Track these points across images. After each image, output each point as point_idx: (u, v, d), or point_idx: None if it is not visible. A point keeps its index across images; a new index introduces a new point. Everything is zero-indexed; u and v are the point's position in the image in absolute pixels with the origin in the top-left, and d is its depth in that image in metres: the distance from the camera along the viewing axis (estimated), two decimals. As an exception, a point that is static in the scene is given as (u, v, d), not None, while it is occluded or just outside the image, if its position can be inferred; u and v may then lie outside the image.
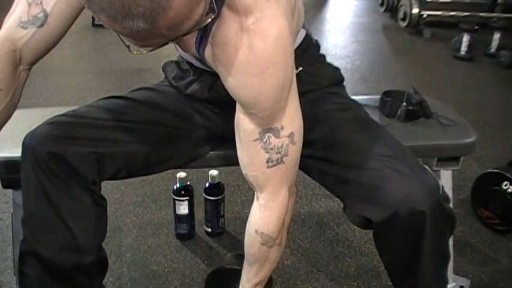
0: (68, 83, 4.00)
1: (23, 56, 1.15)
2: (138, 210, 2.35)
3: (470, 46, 4.77)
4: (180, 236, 2.14)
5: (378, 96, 1.80)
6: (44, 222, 1.20)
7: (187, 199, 2.07)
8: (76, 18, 1.16)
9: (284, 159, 1.13)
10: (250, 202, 1.25)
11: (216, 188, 2.10)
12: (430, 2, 5.61)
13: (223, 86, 1.10)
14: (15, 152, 1.24)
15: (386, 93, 1.78)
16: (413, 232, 1.12)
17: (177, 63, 1.50)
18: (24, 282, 1.27)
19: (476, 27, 4.78)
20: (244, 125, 1.12)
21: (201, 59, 1.16)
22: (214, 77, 1.13)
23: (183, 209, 2.08)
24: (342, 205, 1.25)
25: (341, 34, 5.78)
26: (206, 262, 2.00)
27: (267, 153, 1.12)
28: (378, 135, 1.25)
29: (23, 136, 1.19)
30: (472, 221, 2.29)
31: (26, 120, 1.39)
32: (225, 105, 1.22)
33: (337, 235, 2.19)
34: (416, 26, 5.63)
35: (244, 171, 1.20)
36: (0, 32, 1.13)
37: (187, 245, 2.12)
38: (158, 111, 1.37)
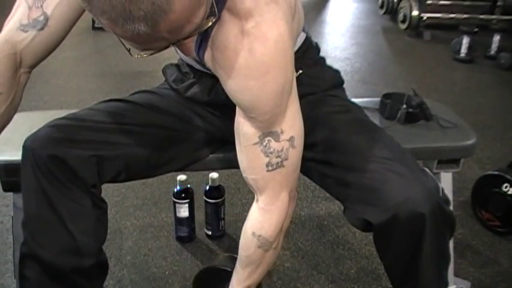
0: (68, 85, 4.00)
1: (24, 59, 1.15)
2: (138, 213, 2.35)
3: (470, 48, 4.78)
4: (180, 239, 2.14)
5: (378, 99, 1.80)
6: (45, 225, 1.20)
7: (187, 202, 2.07)
8: (76, 21, 1.16)
9: (284, 163, 1.13)
10: (250, 205, 1.25)
11: (216, 191, 2.10)
12: (430, 4, 5.61)
13: (223, 88, 1.10)
14: (16, 155, 1.24)
15: (386, 96, 1.78)
16: (413, 234, 1.12)
17: (177, 66, 1.50)
18: (25, 285, 1.27)
19: (476, 29, 4.78)
20: (244, 128, 1.12)
21: (201, 62, 1.16)
22: (214, 79, 1.13)
23: (183, 211, 2.08)
24: (342, 207, 1.25)
25: (341, 36, 5.78)
26: (205, 263, 2.00)
27: (266, 156, 1.12)
28: (378, 138, 1.25)
29: (24, 139, 1.20)
30: (472, 223, 2.29)
31: (27, 123, 1.39)
32: (225, 108, 1.22)
33: (338, 237, 2.19)
34: (416, 28, 5.63)
35: (244, 175, 1.20)
36: (1, 35, 1.13)
37: (188, 247, 2.12)
38: (158, 114, 1.37)
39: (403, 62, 4.91)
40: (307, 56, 1.40)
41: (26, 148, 1.18)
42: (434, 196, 1.12)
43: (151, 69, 4.08)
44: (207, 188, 2.11)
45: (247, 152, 1.15)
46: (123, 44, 0.89)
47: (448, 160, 1.61)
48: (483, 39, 4.91)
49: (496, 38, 4.83)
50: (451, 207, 1.28)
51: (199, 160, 1.46)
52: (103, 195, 1.28)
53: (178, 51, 1.29)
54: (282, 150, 1.11)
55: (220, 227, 2.15)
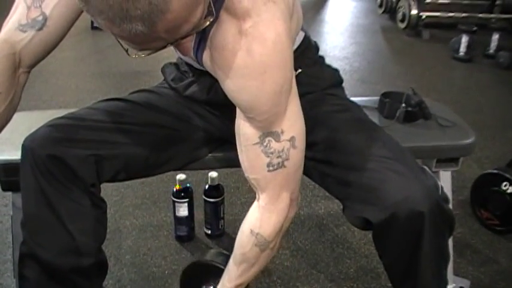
0: (67, 85, 4.00)
1: (22, 59, 1.15)
2: (137, 212, 2.35)
3: (469, 47, 4.77)
4: (179, 238, 2.15)
5: (377, 98, 1.80)
6: (44, 224, 1.21)
7: (187, 201, 2.07)
8: (75, 21, 1.16)
9: (285, 163, 1.12)
10: (250, 204, 1.25)
11: (215, 190, 2.10)
12: (428, 3, 5.62)
13: (222, 88, 1.10)
14: (15, 155, 1.24)
15: (385, 95, 1.78)
16: (413, 233, 1.12)
17: (175, 65, 1.50)
18: (24, 285, 1.27)
19: (475, 28, 4.78)
20: (243, 129, 1.12)
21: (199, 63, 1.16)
22: (213, 78, 1.13)
23: (182, 211, 2.08)
24: (342, 206, 1.25)
25: (340, 36, 5.78)
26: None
27: (267, 157, 1.11)
28: (377, 137, 1.25)
29: (23, 139, 1.20)
30: (471, 221, 2.29)
31: (26, 123, 1.39)
32: (224, 107, 1.22)
33: (337, 236, 2.20)
34: (415, 27, 5.63)
35: (246, 174, 1.19)
36: (0, 35, 1.13)
37: (187, 247, 2.12)
38: (157, 114, 1.38)
39: (402, 61, 4.92)
40: (306, 55, 1.40)
41: (25, 148, 1.18)
42: (434, 194, 1.12)
43: (150, 69, 4.07)
44: (207, 187, 2.11)
45: (248, 152, 1.14)
46: (121, 45, 0.88)
47: (447, 159, 1.61)
48: (482, 38, 4.90)
49: (495, 37, 4.83)
50: (451, 206, 1.28)
51: (198, 159, 1.46)
52: (102, 194, 1.28)
53: (177, 51, 1.29)
54: (282, 150, 1.11)
55: (220, 226, 2.16)
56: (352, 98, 1.51)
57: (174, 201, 2.08)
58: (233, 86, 1.06)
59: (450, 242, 1.28)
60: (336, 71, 1.51)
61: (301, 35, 1.38)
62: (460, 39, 4.80)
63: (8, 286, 1.85)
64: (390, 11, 6.25)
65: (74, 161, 1.18)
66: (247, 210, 1.24)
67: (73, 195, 1.20)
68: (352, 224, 1.24)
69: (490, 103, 3.81)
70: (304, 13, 1.28)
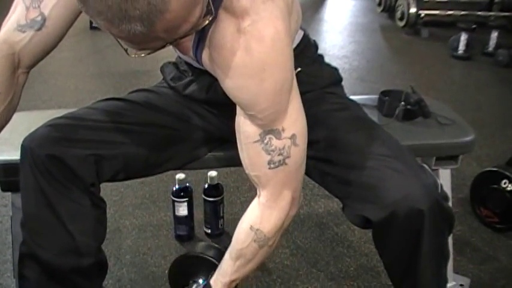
0: (66, 85, 4.00)
1: (22, 59, 1.15)
2: (137, 212, 2.35)
3: (468, 45, 4.78)
4: (179, 238, 2.15)
5: (376, 96, 1.80)
6: (43, 224, 1.21)
7: (186, 200, 2.07)
8: (74, 21, 1.16)
9: (287, 161, 1.12)
10: (250, 203, 1.25)
11: (215, 189, 2.10)
12: (427, 1, 5.62)
13: (221, 87, 1.10)
14: (14, 155, 1.24)
15: (384, 93, 1.78)
16: (412, 231, 1.13)
17: (175, 64, 1.50)
18: (24, 285, 1.27)
19: (474, 26, 4.78)
20: (244, 126, 1.12)
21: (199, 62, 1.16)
22: (212, 77, 1.13)
23: (182, 210, 2.08)
24: (341, 205, 1.25)
25: (339, 34, 5.79)
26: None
27: (268, 154, 1.11)
28: (376, 135, 1.25)
29: (22, 139, 1.20)
30: (471, 219, 2.30)
31: (25, 123, 1.39)
32: (223, 106, 1.22)
33: (337, 235, 2.20)
34: (414, 25, 5.64)
35: (246, 171, 1.19)
36: (-2, 36, 1.13)
37: (187, 246, 2.12)
38: (156, 113, 1.37)
39: (401, 60, 4.92)
40: (306, 54, 1.40)
41: (24, 148, 1.18)
42: (433, 192, 1.12)
43: (150, 68, 4.07)
44: (206, 186, 2.11)
45: (248, 150, 1.14)
46: (120, 44, 0.88)
47: (447, 157, 1.61)
48: (481, 36, 4.91)
49: (494, 35, 4.84)
50: (450, 204, 1.28)
51: (197, 158, 1.46)
52: (102, 194, 1.28)
53: (177, 50, 1.29)
54: (283, 148, 1.10)
55: (219, 226, 2.16)
56: (352, 97, 1.51)
57: (173, 201, 2.08)
58: (233, 85, 1.06)
59: (450, 240, 1.29)
60: (335, 69, 1.51)
61: (300, 33, 1.38)
62: (459, 37, 4.80)
63: (8, 286, 1.85)
64: (389, 10, 6.27)
65: (74, 161, 1.18)
66: (247, 209, 1.24)
67: (73, 195, 1.20)
68: (352, 222, 1.24)
69: (489, 101, 3.81)
70: (303, 12, 1.29)
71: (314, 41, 1.47)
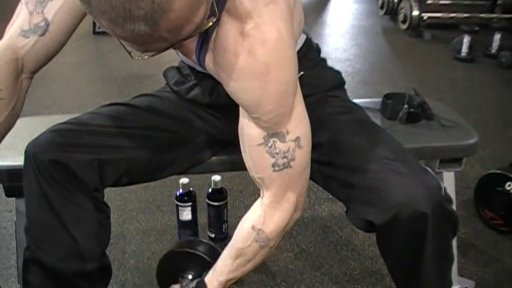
0: (69, 90, 4.01)
1: (25, 64, 1.15)
2: (141, 216, 2.35)
3: (470, 47, 4.77)
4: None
5: (379, 99, 1.80)
6: (47, 230, 1.21)
7: (190, 205, 2.07)
8: (77, 26, 1.17)
9: (291, 163, 1.12)
10: (253, 206, 1.25)
11: (218, 194, 2.10)
12: (430, 4, 5.62)
13: (224, 90, 1.10)
14: (18, 161, 1.24)
15: (387, 96, 1.78)
16: (416, 234, 1.12)
17: (178, 68, 1.51)
18: (29, 290, 1.27)
19: (476, 28, 4.77)
20: (247, 129, 1.12)
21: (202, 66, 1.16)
22: (216, 81, 1.13)
23: (186, 214, 2.08)
24: (345, 208, 1.25)
25: (341, 37, 5.79)
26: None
27: (272, 157, 1.11)
28: (380, 138, 1.25)
29: (25, 144, 1.20)
30: (475, 222, 2.29)
31: (28, 129, 1.39)
32: (226, 109, 1.22)
33: (341, 238, 2.19)
34: (416, 28, 5.63)
35: (250, 174, 1.19)
36: (2, 41, 1.14)
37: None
38: (160, 117, 1.38)
39: (403, 62, 4.92)
40: (308, 58, 1.40)
41: (28, 153, 1.19)
42: (436, 195, 1.11)
43: (153, 73, 4.08)
44: (210, 190, 2.11)
45: (252, 153, 1.14)
46: (124, 46, 0.89)
47: (450, 159, 1.61)
48: (484, 38, 4.90)
49: (497, 37, 4.83)
50: (454, 207, 1.28)
51: (201, 163, 1.46)
52: (105, 199, 1.28)
53: (179, 53, 1.29)
54: (288, 150, 1.10)
55: (224, 230, 2.15)
56: (355, 100, 1.51)
57: (177, 205, 2.08)
58: (237, 87, 1.06)
59: (454, 242, 1.28)
60: (338, 73, 1.51)
61: (303, 37, 1.38)
62: (462, 39, 4.79)
63: (12, 292, 1.86)
64: (391, 13, 6.26)
65: (77, 166, 1.18)
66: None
67: (76, 200, 1.20)
68: (356, 226, 1.24)
69: (492, 103, 3.81)
70: (305, 15, 1.29)
71: (317, 44, 1.47)
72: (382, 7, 6.47)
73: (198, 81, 1.42)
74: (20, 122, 1.22)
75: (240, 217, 1.25)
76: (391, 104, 1.73)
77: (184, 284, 1.40)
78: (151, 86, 3.50)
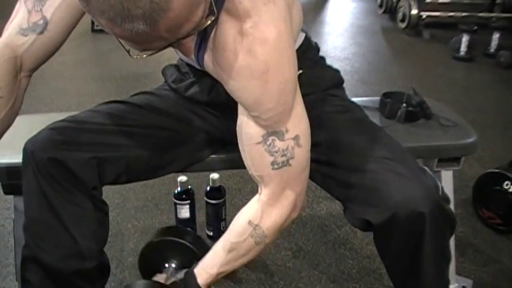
0: (68, 88, 4.01)
1: (24, 63, 1.15)
2: (139, 214, 2.35)
3: (469, 46, 4.77)
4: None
5: (378, 98, 1.80)
6: (46, 228, 1.21)
7: (188, 203, 2.08)
8: (76, 24, 1.17)
9: (290, 161, 1.12)
10: (252, 205, 1.24)
11: (217, 192, 2.10)
12: (429, 3, 5.62)
13: (223, 88, 1.10)
14: (16, 158, 1.24)
15: (386, 95, 1.78)
16: (413, 234, 1.12)
17: (176, 66, 1.50)
18: (27, 288, 1.27)
19: (475, 27, 4.77)
20: (246, 128, 1.12)
21: (200, 65, 1.16)
22: (214, 79, 1.13)
23: (184, 212, 2.08)
24: (343, 207, 1.25)
25: (340, 36, 5.79)
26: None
27: (271, 156, 1.11)
28: (378, 138, 1.25)
29: (24, 142, 1.20)
30: (473, 221, 2.29)
31: (27, 127, 1.39)
32: (225, 108, 1.22)
33: (339, 237, 2.20)
34: (415, 27, 5.63)
35: (249, 171, 1.19)
36: (1, 39, 1.14)
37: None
38: (158, 115, 1.38)
39: (402, 61, 4.92)
40: (307, 57, 1.40)
41: (27, 151, 1.19)
42: (434, 195, 1.12)
43: (151, 71, 4.07)
44: (208, 188, 2.11)
45: (250, 151, 1.14)
46: (123, 45, 0.89)
47: (449, 158, 1.61)
48: (482, 37, 4.90)
49: (496, 36, 4.83)
50: (452, 206, 1.28)
51: (199, 161, 1.46)
52: (104, 197, 1.28)
53: (178, 52, 1.29)
54: (287, 149, 1.10)
55: (222, 228, 2.15)
56: (353, 99, 1.51)
57: (175, 203, 2.09)
58: (237, 86, 1.06)
59: (452, 241, 1.28)
60: (337, 71, 1.51)
61: (302, 36, 1.38)
62: (461, 38, 4.79)
63: (10, 289, 1.86)
64: (390, 11, 6.25)
65: (76, 164, 1.18)
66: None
67: (75, 198, 1.20)
68: (353, 225, 1.24)
69: (491, 102, 3.81)
70: (304, 14, 1.28)
71: (315, 43, 1.47)
72: (381, 6, 6.47)
73: (196, 79, 1.42)
74: (19, 120, 1.22)
75: (239, 215, 1.25)
76: (389, 102, 1.73)
77: (169, 274, 1.39)
78: (150, 84, 3.48)
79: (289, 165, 1.12)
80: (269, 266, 2.00)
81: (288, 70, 1.05)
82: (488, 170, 2.26)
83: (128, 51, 0.91)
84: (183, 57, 1.39)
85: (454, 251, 1.47)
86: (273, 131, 1.09)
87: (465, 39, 4.75)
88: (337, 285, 1.91)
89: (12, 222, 1.54)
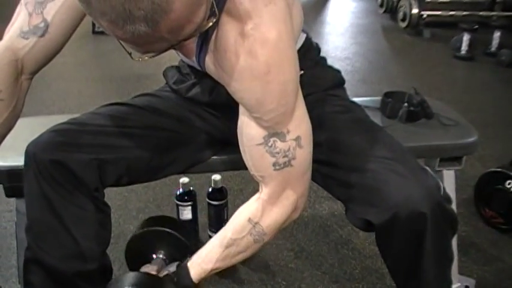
0: (69, 90, 4.01)
1: (25, 65, 1.15)
2: (141, 216, 2.34)
3: (470, 45, 4.77)
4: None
5: (379, 98, 1.80)
6: (48, 230, 1.21)
7: (190, 204, 2.08)
8: (77, 27, 1.17)
9: (292, 162, 1.11)
10: (254, 205, 1.24)
11: (219, 193, 2.10)
12: (429, 2, 5.62)
13: (224, 89, 1.10)
14: (18, 161, 1.24)
15: (387, 95, 1.78)
16: (415, 233, 1.12)
17: (177, 67, 1.51)
18: (29, 290, 1.27)
19: (476, 26, 4.77)
20: (247, 129, 1.12)
21: (202, 67, 1.16)
22: (215, 80, 1.13)
23: (186, 214, 2.08)
24: (345, 208, 1.25)
25: (341, 36, 5.78)
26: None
27: (273, 157, 1.10)
28: (379, 138, 1.25)
29: (26, 145, 1.20)
30: (475, 220, 2.29)
31: (28, 129, 1.39)
32: (226, 108, 1.22)
33: (341, 237, 2.20)
34: (416, 26, 5.63)
35: (251, 172, 1.19)
36: (2, 42, 1.14)
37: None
38: (159, 117, 1.38)
39: (403, 61, 4.91)
40: (308, 57, 1.40)
41: (28, 153, 1.19)
42: (435, 195, 1.12)
43: (152, 72, 4.07)
44: (210, 190, 2.11)
45: (251, 152, 1.14)
46: (124, 48, 0.88)
47: (450, 158, 1.61)
48: (483, 36, 4.90)
49: (496, 35, 4.83)
50: (454, 206, 1.28)
51: (201, 162, 1.46)
52: (106, 199, 1.28)
53: (180, 53, 1.29)
54: (288, 150, 1.10)
55: (224, 229, 2.15)
56: (355, 99, 1.51)
57: (177, 205, 2.09)
58: (239, 87, 1.05)
59: (454, 241, 1.28)
60: (338, 71, 1.51)
61: (303, 36, 1.38)
62: (461, 37, 4.79)
63: (13, 292, 1.86)
64: (391, 11, 6.26)
65: (77, 166, 1.18)
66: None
67: (76, 200, 1.20)
68: (355, 225, 1.24)
69: (492, 101, 3.81)
70: (305, 14, 1.29)
71: (316, 43, 1.48)
72: (381, 5, 6.47)
73: (197, 80, 1.42)
74: (20, 123, 1.22)
75: (241, 216, 1.25)
76: (390, 102, 1.73)
77: (160, 265, 1.36)
78: (151, 85, 3.49)
79: (291, 165, 1.12)
80: (271, 267, 2.00)
81: (289, 71, 1.05)
82: (490, 169, 2.26)
83: (130, 54, 0.91)
84: (184, 58, 1.39)
85: (457, 250, 1.46)
86: (274, 132, 1.08)
87: (466, 38, 4.75)
88: (340, 285, 1.91)
89: (14, 225, 1.54)
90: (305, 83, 1.15)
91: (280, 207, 1.18)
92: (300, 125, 1.11)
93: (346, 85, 1.52)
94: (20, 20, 1.13)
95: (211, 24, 0.90)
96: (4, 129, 1.15)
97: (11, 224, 2.20)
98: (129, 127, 1.31)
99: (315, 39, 1.47)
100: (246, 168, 1.19)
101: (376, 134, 1.28)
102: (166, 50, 0.89)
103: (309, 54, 1.42)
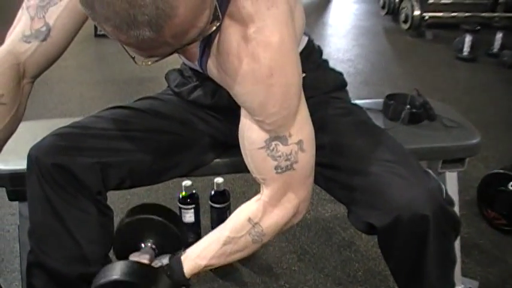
0: (71, 93, 4.01)
1: (27, 69, 1.15)
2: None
3: (472, 47, 4.76)
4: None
5: (381, 100, 1.80)
6: (50, 233, 1.21)
7: (193, 207, 2.08)
8: (79, 30, 1.17)
9: (294, 166, 1.11)
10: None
11: (221, 196, 2.10)
12: (431, 3, 5.61)
13: (226, 92, 1.10)
14: (21, 165, 1.24)
15: (389, 97, 1.78)
16: (417, 236, 1.12)
17: (179, 70, 1.51)
18: (32, 294, 1.27)
19: (478, 27, 4.76)
20: (248, 132, 1.12)
21: (204, 70, 1.16)
22: (217, 83, 1.13)
23: (189, 217, 2.08)
24: (347, 211, 1.25)
25: (343, 38, 5.78)
26: (214, 270, 2.00)
27: (275, 160, 1.10)
28: (380, 140, 1.25)
29: (28, 148, 1.20)
30: (478, 222, 2.29)
31: (31, 132, 1.39)
32: (228, 111, 1.22)
33: (344, 240, 2.19)
34: (418, 28, 5.62)
35: (253, 174, 1.18)
36: (4, 46, 1.14)
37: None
38: (162, 120, 1.38)
39: (405, 62, 4.91)
40: (310, 60, 1.40)
41: (31, 157, 1.19)
42: (437, 198, 1.11)
43: (154, 75, 4.05)
44: (212, 193, 2.11)
45: (252, 156, 1.14)
46: (127, 52, 0.88)
47: (453, 160, 1.61)
48: (485, 37, 4.89)
49: (499, 36, 4.82)
50: (456, 208, 1.28)
51: (203, 165, 1.46)
52: (108, 202, 1.28)
53: (182, 57, 1.29)
54: (290, 153, 1.10)
55: (226, 232, 2.15)
56: (357, 101, 1.51)
57: (180, 208, 2.09)
58: (242, 90, 1.05)
59: (457, 242, 1.28)
60: (340, 74, 1.51)
61: (305, 39, 1.38)
62: (464, 38, 4.78)
63: (16, 295, 1.86)
64: (393, 12, 6.25)
65: (80, 169, 1.18)
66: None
67: (79, 203, 1.20)
68: (357, 228, 1.24)
69: (494, 102, 3.80)
70: (306, 16, 1.28)
71: (318, 46, 1.47)
72: (383, 7, 6.47)
73: (200, 83, 1.42)
74: (23, 126, 1.22)
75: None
76: (393, 104, 1.73)
77: (151, 255, 1.31)
78: (153, 88, 3.49)
79: (293, 169, 1.12)
80: (274, 270, 2.00)
81: (291, 74, 1.05)
82: (493, 171, 2.26)
83: (133, 58, 0.91)
84: (186, 61, 1.40)
85: (460, 252, 1.46)
86: (276, 135, 1.08)
87: (468, 39, 4.74)
88: (343, 287, 1.91)
89: (17, 228, 1.54)
90: (307, 86, 1.14)
91: (281, 209, 1.17)
92: (302, 129, 1.11)
93: (348, 87, 1.51)
94: (21, 24, 1.13)
95: (214, 28, 0.90)
96: (6, 133, 1.16)
97: (13, 227, 2.20)
98: (132, 130, 1.31)
99: (316, 41, 1.47)
100: (249, 171, 1.19)
101: (379, 137, 1.27)
102: (169, 55, 0.89)
103: (311, 57, 1.41)
